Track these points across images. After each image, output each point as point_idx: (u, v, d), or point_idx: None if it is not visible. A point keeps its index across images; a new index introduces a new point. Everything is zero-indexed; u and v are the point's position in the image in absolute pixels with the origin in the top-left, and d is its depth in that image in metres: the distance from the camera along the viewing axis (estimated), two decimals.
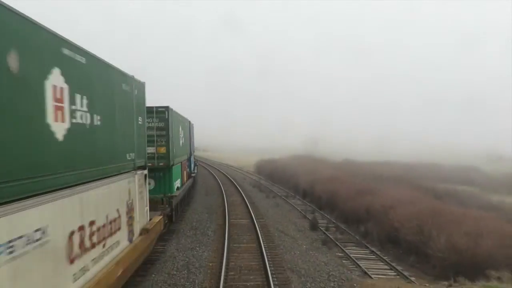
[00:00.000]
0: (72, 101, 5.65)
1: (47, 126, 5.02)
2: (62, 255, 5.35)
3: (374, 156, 71.20)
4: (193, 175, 26.21)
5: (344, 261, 15.59)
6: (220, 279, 10.96)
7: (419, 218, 17.44)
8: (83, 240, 5.99)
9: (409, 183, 33.06)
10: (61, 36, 5.53)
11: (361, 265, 15.00)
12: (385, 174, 39.74)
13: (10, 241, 4.16)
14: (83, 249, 5.98)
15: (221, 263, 12.46)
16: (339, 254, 16.51)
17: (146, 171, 10.02)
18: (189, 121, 23.65)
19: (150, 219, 10.59)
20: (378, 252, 17.19)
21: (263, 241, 15.09)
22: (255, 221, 18.61)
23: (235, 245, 14.82)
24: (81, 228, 5.94)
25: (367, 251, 17.41)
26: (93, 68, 6.65)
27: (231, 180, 38.07)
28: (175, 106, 16.75)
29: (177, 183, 17.92)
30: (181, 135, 19.06)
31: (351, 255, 16.26)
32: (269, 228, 17.92)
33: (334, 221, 23.01)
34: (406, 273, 14.65)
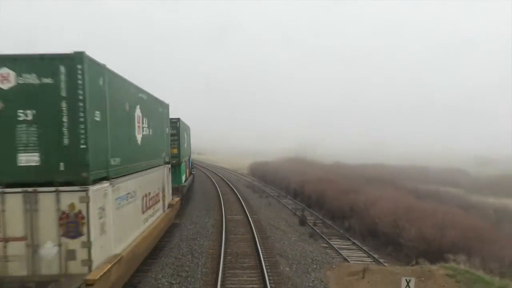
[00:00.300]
0: (143, 122, 10.18)
1: (135, 136, 9.56)
2: (140, 208, 9.98)
3: (367, 159, 73.63)
4: (193, 172, 30.63)
5: (327, 250, 17.73)
6: (219, 261, 13.02)
7: (395, 214, 19.67)
8: (147, 202, 10.72)
9: (394, 184, 35.33)
10: (139, 86, 10.04)
11: (342, 253, 17.16)
12: (373, 176, 41.99)
13: (118, 198, 8.18)
14: (146, 207, 10.68)
15: (220, 249, 14.53)
16: (324, 245, 18.65)
17: (170, 166, 14.81)
18: (189, 127, 26.01)
19: (172, 199, 15.40)
20: (358, 243, 19.38)
21: (256, 233, 17.17)
22: (249, 217, 20.70)
23: (231, 236, 16.90)
24: (146, 195, 10.61)
25: (349, 243, 19.59)
26: (149, 101, 11.20)
27: (226, 182, 40.10)
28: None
29: (183, 177, 22.26)
30: (186, 139, 22.06)
31: (334, 245, 18.42)
32: (262, 223, 20.00)
33: (321, 217, 25.18)
34: (381, 260, 16.82)
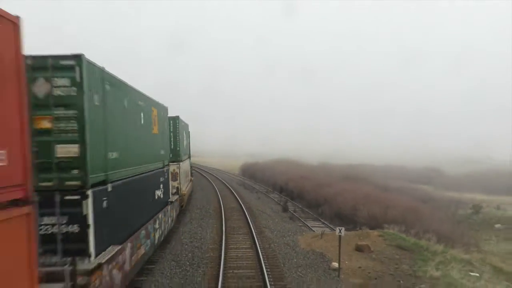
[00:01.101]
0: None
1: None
2: (188, 176, 25.35)
3: (351, 159, 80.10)
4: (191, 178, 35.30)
5: (302, 227, 23.62)
6: (222, 231, 18.79)
7: (355, 201, 25.65)
8: (187, 175, 23.12)
9: (366, 180, 41.53)
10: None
11: (312, 228, 23.06)
12: (350, 174, 48.19)
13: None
14: (187, 179, 22.87)
15: (221, 225, 20.30)
16: (300, 224, 24.54)
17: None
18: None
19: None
20: (326, 223, 25.31)
21: (248, 215, 22.97)
22: (242, 206, 26.50)
23: (229, 217, 22.70)
24: (186, 172, 22.35)
25: (319, 222, 25.52)
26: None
27: (221, 180, 45.87)
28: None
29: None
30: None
31: (307, 224, 24.32)
32: (252, 210, 25.81)
33: (300, 206, 31.10)
34: None
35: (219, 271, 12.66)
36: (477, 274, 15.83)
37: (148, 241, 11.88)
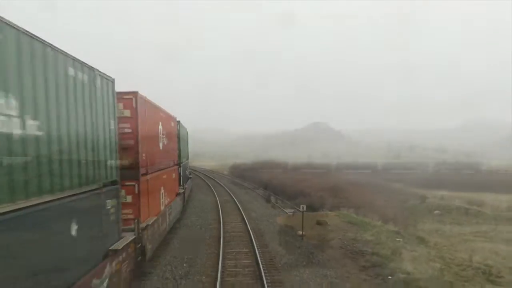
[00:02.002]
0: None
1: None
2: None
3: (333, 159, 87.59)
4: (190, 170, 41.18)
5: (280, 212, 30.35)
6: (219, 215, 25.37)
7: (323, 191, 32.50)
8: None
9: (337, 177, 48.67)
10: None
11: (288, 213, 29.83)
12: (326, 171, 55.44)
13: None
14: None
15: (218, 209, 26.90)
16: (279, 210, 31.30)
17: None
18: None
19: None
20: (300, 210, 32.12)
21: (238, 204, 29.61)
22: (233, 198, 33.13)
23: (223, 205, 29.33)
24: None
25: (294, 209, 32.31)
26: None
27: (213, 179, 52.42)
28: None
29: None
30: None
31: (285, 210, 31.09)
32: (241, 200, 32.47)
33: (281, 198, 37.90)
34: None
35: (220, 232, 19.33)
36: (401, 239, 22.78)
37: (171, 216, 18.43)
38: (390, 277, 14.02)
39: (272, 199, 37.40)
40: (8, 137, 4.90)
